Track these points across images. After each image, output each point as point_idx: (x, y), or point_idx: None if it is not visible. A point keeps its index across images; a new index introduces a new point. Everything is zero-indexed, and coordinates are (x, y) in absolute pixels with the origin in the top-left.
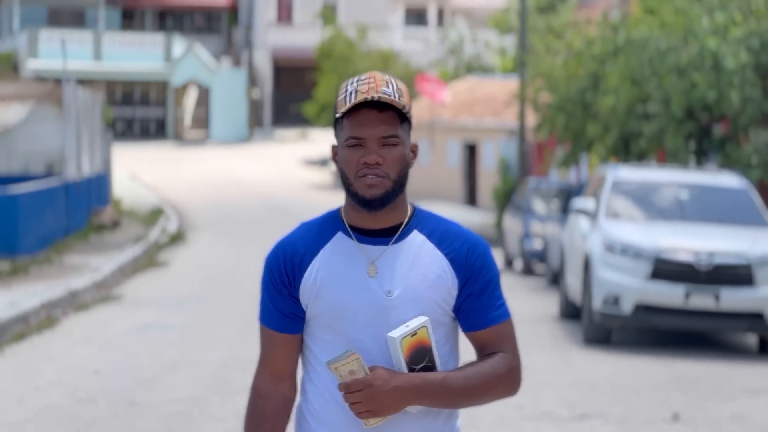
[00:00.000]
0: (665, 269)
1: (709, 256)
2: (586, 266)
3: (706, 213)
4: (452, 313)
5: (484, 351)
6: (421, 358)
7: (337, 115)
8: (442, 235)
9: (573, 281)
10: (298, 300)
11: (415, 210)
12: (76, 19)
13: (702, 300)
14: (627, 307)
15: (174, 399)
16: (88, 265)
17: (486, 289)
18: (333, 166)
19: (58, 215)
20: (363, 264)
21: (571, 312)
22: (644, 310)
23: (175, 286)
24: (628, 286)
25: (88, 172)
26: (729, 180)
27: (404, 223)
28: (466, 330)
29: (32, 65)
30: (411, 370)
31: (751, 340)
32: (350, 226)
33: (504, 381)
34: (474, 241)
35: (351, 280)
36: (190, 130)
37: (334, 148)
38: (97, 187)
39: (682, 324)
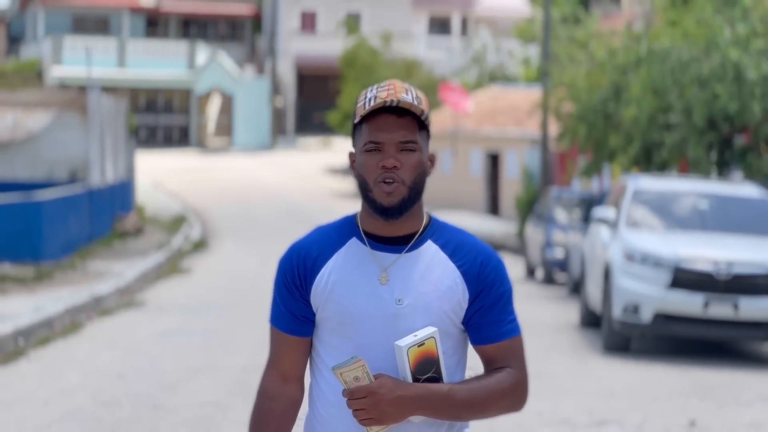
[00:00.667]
0: (684, 278)
1: (728, 266)
2: (607, 275)
3: (725, 223)
4: (461, 326)
5: (491, 365)
6: (427, 368)
7: (356, 121)
8: (456, 246)
9: (593, 290)
10: (309, 302)
11: (431, 219)
12: (101, 26)
13: (721, 309)
14: (646, 315)
15: (197, 403)
16: (111, 271)
17: (497, 304)
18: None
19: (82, 221)
20: (375, 271)
21: (592, 320)
22: (663, 318)
23: (198, 292)
24: (647, 295)
25: (112, 178)
26: (749, 190)
27: (419, 232)
28: (474, 343)
29: (56, 72)
30: (416, 380)
31: None
32: (365, 232)
33: (509, 397)
34: (488, 254)
35: (362, 286)
36: (213, 137)
37: (351, 155)
38: (121, 194)
39: (700, 333)
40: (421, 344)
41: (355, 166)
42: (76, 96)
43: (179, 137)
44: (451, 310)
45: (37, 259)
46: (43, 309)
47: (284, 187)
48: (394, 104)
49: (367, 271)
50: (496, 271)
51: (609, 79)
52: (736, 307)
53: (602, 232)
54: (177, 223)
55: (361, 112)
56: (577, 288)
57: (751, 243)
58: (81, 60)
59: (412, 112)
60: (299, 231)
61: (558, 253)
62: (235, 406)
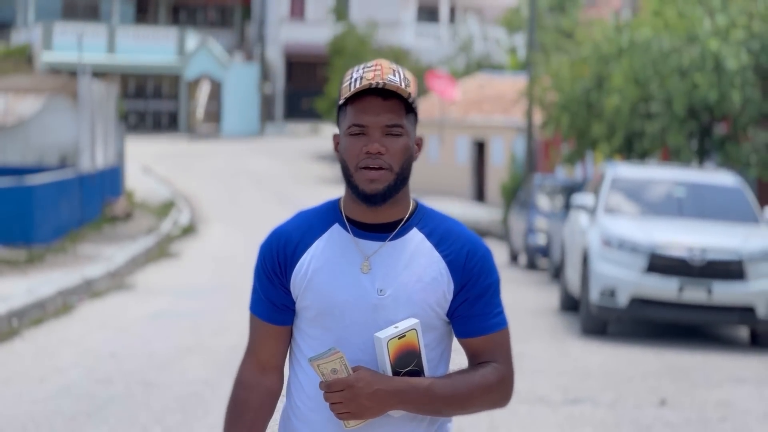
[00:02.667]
0: (660, 264)
1: (702, 252)
2: (585, 260)
3: (700, 210)
4: (446, 318)
5: (476, 359)
6: (407, 361)
7: (341, 102)
8: (443, 235)
9: (572, 275)
10: (289, 291)
11: (417, 206)
12: (91, 12)
13: (695, 294)
14: (623, 299)
15: (187, 380)
16: (101, 255)
17: (483, 296)
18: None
19: (73, 206)
20: (357, 259)
21: (571, 304)
22: (639, 302)
23: (187, 275)
24: (624, 280)
25: (102, 164)
26: (724, 178)
27: (404, 219)
28: (459, 336)
29: (46, 58)
30: (396, 373)
31: (743, 332)
32: (348, 218)
33: (493, 392)
34: (475, 244)
35: (343, 275)
36: (202, 123)
37: (336, 136)
38: (111, 179)
39: (675, 317)
40: (401, 336)
41: (338, 149)
42: (66, 81)
43: (168, 123)
44: (435, 302)
45: (29, 243)
46: (35, 291)
47: (273, 173)
48: (380, 86)
49: (349, 259)
50: (483, 261)
51: (592, 70)
52: (709, 291)
53: (581, 218)
54: (166, 208)
55: (345, 93)
56: (558, 273)
57: (725, 230)
58: (71, 46)
59: (399, 95)
60: (287, 216)
61: (540, 239)
62: (223, 384)
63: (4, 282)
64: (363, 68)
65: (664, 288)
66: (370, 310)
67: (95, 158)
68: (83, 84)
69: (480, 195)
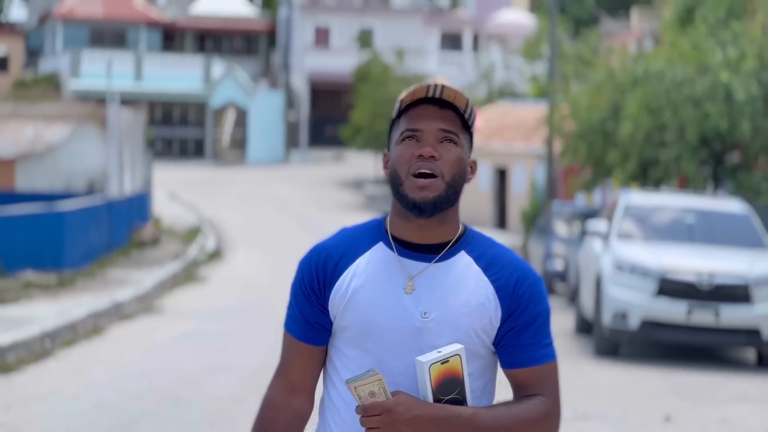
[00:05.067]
0: (669, 288)
1: (710, 276)
2: (598, 284)
3: (709, 236)
4: (491, 347)
5: (522, 392)
6: (450, 389)
7: (394, 114)
8: (492, 259)
9: (586, 298)
10: (327, 309)
11: (466, 230)
12: (118, 39)
13: (703, 316)
14: (634, 322)
15: (215, 397)
16: (130, 279)
17: (532, 325)
18: (368, 189)
19: (101, 232)
20: (401, 279)
21: (585, 327)
22: (650, 325)
23: (214, 299)
24: (635, 303)
25: (130, 190)
26: (732, 205)
27: (452, 241)
28: (505, 366)
29: (74, 85)
30: (437, 400)
31: (750, 354)
32: (393, 237)
33: (537, 427)
34: (525, 271)
35: (385, 294)
36: (227, 150)
37: (386, 155)
38: (138, 205)
39: (684, 339)
40: (444, 361)
41: (387, 166)
42: (94, 109)
43: (194, 150)
44: (481, 329)
45: (59, 267)
46: (66, 313)
47: (297, 200)
48: (438, 92)
49: (392, 278)
50: (533, 289)
51: (607, 99)
52: (717, 314)
53: (595, 244)
54: (192, 233)
55: (400, 104)
56: (574, 297)
57: (732, 255)
58: (98, 73)
59: (455, 108)
60: (312, 242)
61: (558, 265)
62: (249, 401)
63: (36, 305)
64: (419, 84)
65: (674, 311)
66: (413, 332)
67: (123, 185)
68: (112, 111)
69: (501, 221)
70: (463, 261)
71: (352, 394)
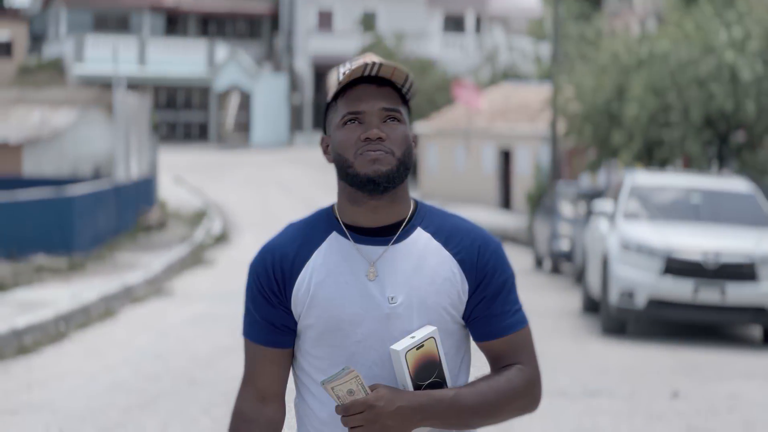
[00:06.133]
0: (676, 267)
1: (716, 255)
2: (605, 264)
3: (715, 215)
4: (462, 321)
5: (498, 363)
6: (429, 373)
7: (330, 97)
8: (450, 232)
9: (593, 278)
10: (290, 310)
11: (417, 205)
12: (121, 24)
13: (709, 295)
14: (641, 301)
15: (230, 377)
16: (138, 263)
17: (500, 293)
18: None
19: (109, 216)
20: (361, 266)
21: (592, 306)
22: (656, 304)
23: (222, 281)
24: (641, 282)
25: (136, 174)
26: (737, 185)
27: (406, 219)
28: (477, 340)
29: (78, 70)
30: (417, 387)
31: (756, 331)
32: (345, 224)
33: (522, 396)
34: (485, 238)
35: (348, 285)
36: (231, 134)
37: (324, 139)
38: (145, 190)
39: (690, 317)
40: (420, 346)
41: (329, 151)
42: (99, 94)
43: (198, 134)
44: (450, 305)
45: (69, 251)
46: (79, 296)
47: (302, 182)
48: (375, 71)
49: (352, 268)
50: (496, 257)
51: (612, 80)
52: (723, 292)
53: (601, 224)
54: (198, 217)
55: (334, 85)
56: (580, 277)
57: (738, 234)
58: (102, 58)
59: (392, 84)
60: None
61: (564, 245)
62: None
63: (49, 288)
64: (350, 62)
65: (680, 290)
66: (383, 320)
67: (130, 169)
68: (118, 96)
69: (506, 202)
70: (422, 238)
71: (329, 395)
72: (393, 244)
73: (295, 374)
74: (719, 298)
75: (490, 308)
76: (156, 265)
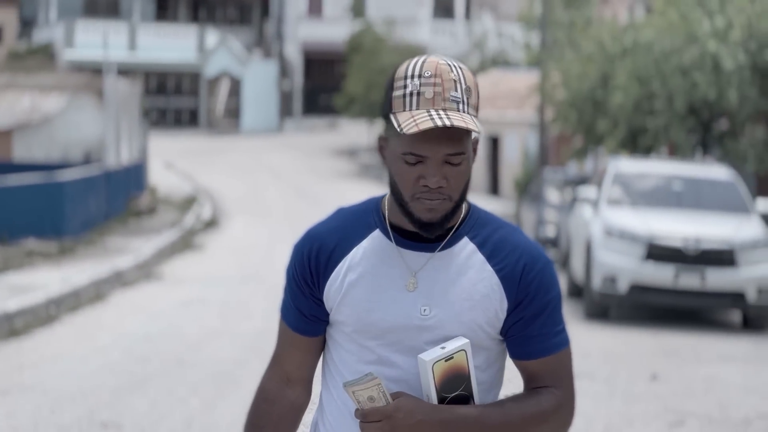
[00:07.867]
0: (657, 252)
1: (697, 241)
2: (588, 249)
3: (696, 202)
4: (499, 336)
5: (532, 383)
6: (455, 385)
7: (392, 112)
8: (496, 245)
9: (577, 263)
10: (322, 302)
11: (470, 209)
12: (112, 9)
13: (690, 280)
14: (623, 286)
15: (218, 360)
16: (128, 247)
17: (540, 314)
18: (362, 157)
19: (99, 201)
20: (402, 274)
21: (576, 291)
22: (638, 289)
23: (212, 266)
24: (624, 268)
25: (126, 160)
26: (718, 172)
27: (455, 227)
28: (514, 357)
29: (69, 55)
30: (443, 398)
31: (736, 316)
32: (391, 224)
33: (549, 421)
34: (532, 255)
35: (383, 291)
36: (222, 120)
37: (381, 139)
38: (135, 175)
39: (672, 302)
40: (449, 358)
41: (385, 155)
42: (89, 79)
43: (189, 119)
44: (485, 322)
45: (60, 236)
46: (69, 280)
47: (292, 168)
48: (446, 125)
49: (391, 273)
50: (542, 276)
51: (597, 68)
52: (703, 278)
53: (585, 210)
54: (188, 202)
55: (399, 108)
56: (565, 262)
57: (718, 220)
58: (93, 43)
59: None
60: (307, 210)
61: (549, 231)
62: (250, 363)
63: (39, 272)
64: (419, 77)
65: (661, 275)
66: (412, 330)
67: (120, 155)
68: (108, 82)
69: (494, 188)
70: (467, 249)
71: (350, 398)
72: (437, 251)
73: (324, 359)
74: (699, 283)
75: (527, 329)
76: (146, 250)
